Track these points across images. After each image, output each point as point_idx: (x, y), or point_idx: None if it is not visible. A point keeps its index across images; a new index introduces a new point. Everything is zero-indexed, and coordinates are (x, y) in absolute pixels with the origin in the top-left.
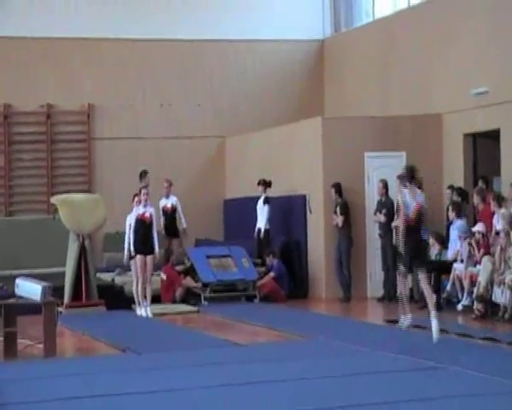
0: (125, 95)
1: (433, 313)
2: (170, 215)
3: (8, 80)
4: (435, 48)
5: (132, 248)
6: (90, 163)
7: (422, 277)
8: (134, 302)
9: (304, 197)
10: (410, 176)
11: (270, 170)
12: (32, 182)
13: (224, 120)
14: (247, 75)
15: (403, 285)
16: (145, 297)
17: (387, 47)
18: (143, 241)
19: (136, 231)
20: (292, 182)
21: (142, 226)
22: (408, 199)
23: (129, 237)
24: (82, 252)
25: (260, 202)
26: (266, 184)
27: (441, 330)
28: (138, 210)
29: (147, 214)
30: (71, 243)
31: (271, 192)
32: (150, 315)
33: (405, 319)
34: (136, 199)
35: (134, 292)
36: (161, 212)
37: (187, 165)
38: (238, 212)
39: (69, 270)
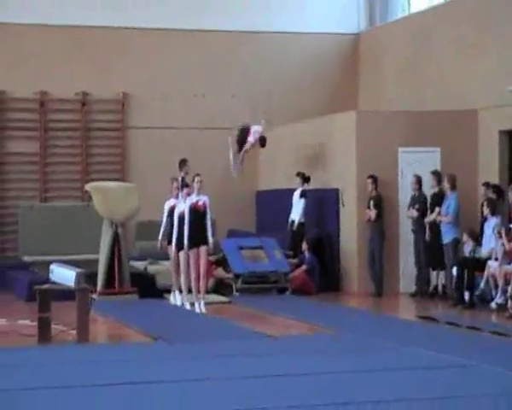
0: (160, 85)
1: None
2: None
3: (44, 68)
4: (471, 43)
5: (186, 242)
6: (124, 152)
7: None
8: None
9: (337, 191)
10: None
11: (303, 163)
12: (67, 169)
13: (257, 111)
14: (282, 68)
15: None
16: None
17: (423, 42)
18: (197, 231)
19: (189, 222)
20: (325, 175)
21: (196, 216)
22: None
23: (178, 229)
24: (115, 240)
25: (297, 194)
26: (305, 178)
27: (475, 328)
28: (191, 199)
29: (200, 203)
30: (104, 231)
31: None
32: (204, 310)
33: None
34: (185, 190)
35: (183, 284)
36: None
37: (220, 155)
38: (270, 204)
39: (102, 257)
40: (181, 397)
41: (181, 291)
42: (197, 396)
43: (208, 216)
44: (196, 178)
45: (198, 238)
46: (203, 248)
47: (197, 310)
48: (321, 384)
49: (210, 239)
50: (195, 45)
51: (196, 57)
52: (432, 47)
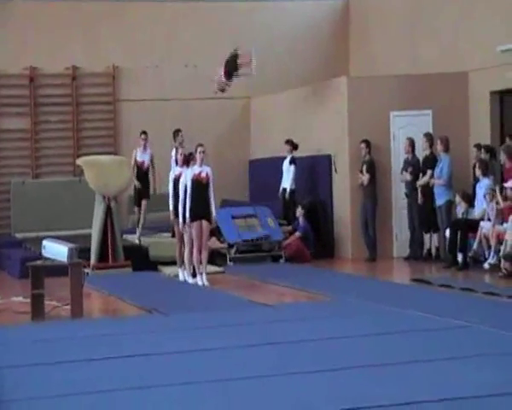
0: (150, 56)
1: None
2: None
3: (34, 43)
4: (462, 5)
5: (187, 214)
6: (115, 125)
7: None
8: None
9: (329, 157)
10: None
11: (295, 130)
12: (58, 144)
13: (249, 80)
14: (273, 35)
15: None
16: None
17: (414, 4)
18: (199, 203)
19: (191, 194)
20: (317, 142)
21: (198, 188)
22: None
23: (183, 201)
24: (108, 213)
25: (286, 161)
26: (293, 145)
27: (468, 290)
28: (194, 170)
29: (203, 174)
30: (97, 205)
31: (297, 152)
32: (206, 283)
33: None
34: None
35: (187, 261)
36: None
37: (212, 125)
38: (263, 172)
39: (95, 231)
40: (178, 368)
41: (182, 265)
42: (195, 367)
43: (211, 188)
44: (199, 149)
45: (200, 211)
46: (205, 223)
47: (199, 283)
48: (320, 350)
49: (213, 212)
50: (185, 15)
51: (186, 27)
52: (422, 9)
